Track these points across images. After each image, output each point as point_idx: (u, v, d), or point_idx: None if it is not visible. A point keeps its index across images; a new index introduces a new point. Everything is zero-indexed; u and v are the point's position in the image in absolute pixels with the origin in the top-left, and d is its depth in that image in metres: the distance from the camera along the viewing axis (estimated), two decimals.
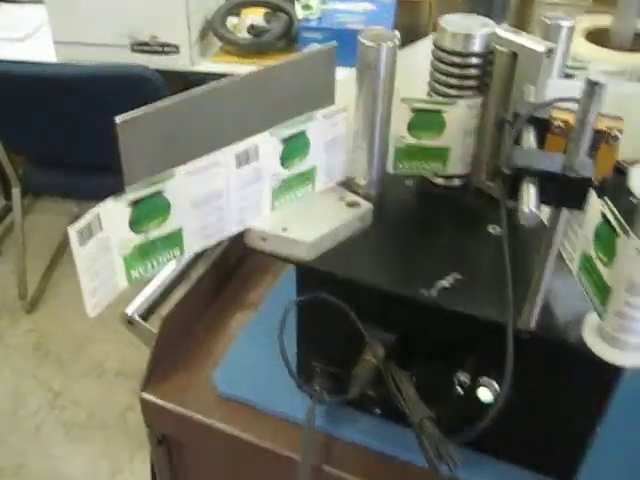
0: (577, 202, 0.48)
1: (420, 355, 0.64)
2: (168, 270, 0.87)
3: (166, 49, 1.88)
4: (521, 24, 3.68)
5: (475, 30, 0.63)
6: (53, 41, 1.94)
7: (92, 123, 1.80)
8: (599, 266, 0.52)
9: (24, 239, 2.27)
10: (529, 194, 0.45)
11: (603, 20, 0.82)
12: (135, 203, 0.53)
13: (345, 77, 0.64)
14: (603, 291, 0.52)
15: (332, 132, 0.63)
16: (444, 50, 0.65)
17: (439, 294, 0.58)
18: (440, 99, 0.66)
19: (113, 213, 0.52)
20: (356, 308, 0.63)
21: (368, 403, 0.71)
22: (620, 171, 0.55)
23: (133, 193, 0.52)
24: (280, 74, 0.58)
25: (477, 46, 0.64)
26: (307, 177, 0.64)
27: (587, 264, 0.53)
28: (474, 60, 0.64)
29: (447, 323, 0.60)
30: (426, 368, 0.64)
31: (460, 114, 0.65)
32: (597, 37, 0.80)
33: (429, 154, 0.68)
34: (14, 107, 1.85)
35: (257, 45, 1.93)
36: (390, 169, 0.68)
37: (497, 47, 0.63)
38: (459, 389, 0.62)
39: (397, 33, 0.60)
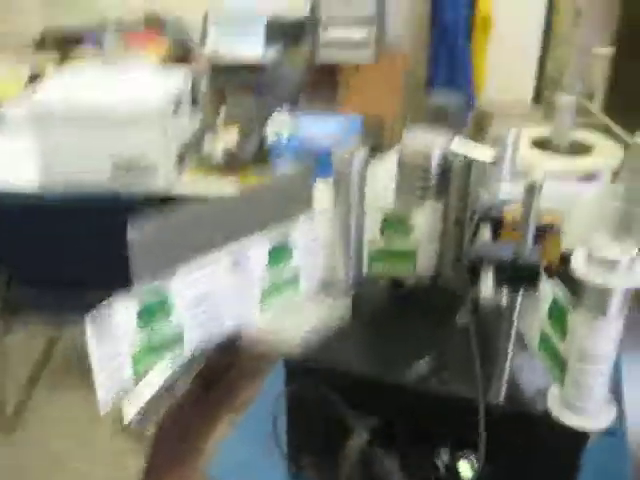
0: (529, 284, 0.55)
1: (402, 437, 0.69)
2: (159, 379, 0.91)
3: (145, 172, 1.99)
4: (478, 135, 3.90)
5: (434, 145, 0.73)
6: (38, 169, 2.04)
7: (74, 243, 1.89)
8: (554, 342, 0.59)
9: (3, 360, 2.27)
10: (487, 279, 0.53)
11: (545, 131, 0.94)
12: (142, 303, 0.59)
13: (322, 187, 0.72)
14: (560, 364, 0.58)
15: (312, 238, 0.71)
16: (408, 164, 0.74)
17: (416, 378, 0.64)
18: (405, 206, 0.74)
19: (124, 311, 0.59)
20: (339, 396, 0.68)
21: None
22: (565, 260, 0.63)
23: (140, 294, 0.59)
24: (266, 191, 0.67)
25: (436, 159, 0.73)
26: (292, 279, 0.71)
27: (544, 341, 0.61)
28: (434, 171, 0.74)
29: (425, 405, 0.66)
30: (409, 448, 0.69)
31: (424, 218, 0.74)
32: (540, 146, 0.91)
33: (399, 257, 0.75)
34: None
35: (231, 165, 2.05)
36: (364, 271, 0.76)
37: (453, 159, 0.73)
38: (441, 467, 0.67)
39: (364, 147, 0.69)
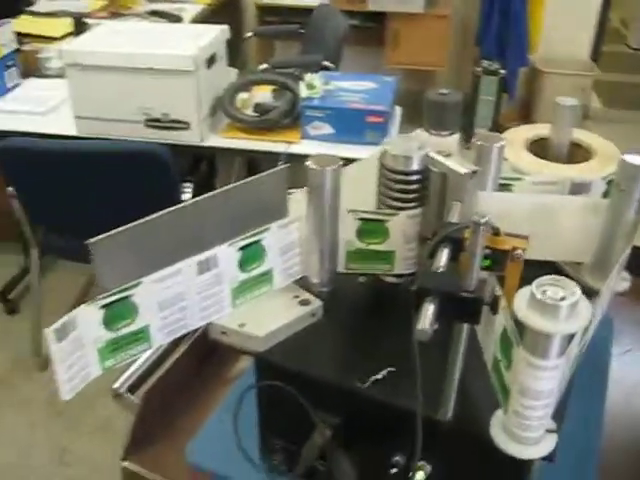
0: (472, 318, 0.56)
1: (361, 438, 0.72)
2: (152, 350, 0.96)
3: (177, 125, 2.02)
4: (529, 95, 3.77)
5: (412, 152, 0.73)
6: (74, 115, 2.09)
7: (108, 194, 1.94)
8: (502, 369, 0.60)
9: (41, 298, 2.38)
10: (427, 313, 0.54)
11: (546, 130, 0.92)
12: (107, 306, 0.62)
13: (298, 192, 0.73)
14: (505, 391, 0.60)
15: (286, 239, 0.73)
16: (387, 169, 0.75)
17: (371, 386, 0.67)
18: (382, 210, 0.75)
19: (88, 314, 0.62)
20: (306, 394, 0.71)
21: (319, 478, 0.78)
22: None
23: (105, 298, 0.62)
24: (238, 194, 0.68)
25: (415, 166, 0.73)
26: (265, 278, 0.73)
27: (495, 365, 0.62)
28: (413, 177, 0.74)
29: (380, 410, 0.68)
30: (366, 449, 0.72)
31: (401, 223, 0.74)
32: (538, 147, 0.89)
33: (376, 256, 0.77)
34: (34, 178, 1.99)
35: (262, 123, 2.06)
36: (341, 269, 0.77)
37: (431, 167, 0.73)
38: (394, 469, 0.70)
39: (339, 158, 0.69)
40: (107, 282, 0.61)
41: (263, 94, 2.23)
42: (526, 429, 0.58)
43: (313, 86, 2.07)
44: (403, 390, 0.67)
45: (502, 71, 3.52)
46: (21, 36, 2.65)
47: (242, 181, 0.69)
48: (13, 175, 2.00)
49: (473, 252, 0.54)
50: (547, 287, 0.53)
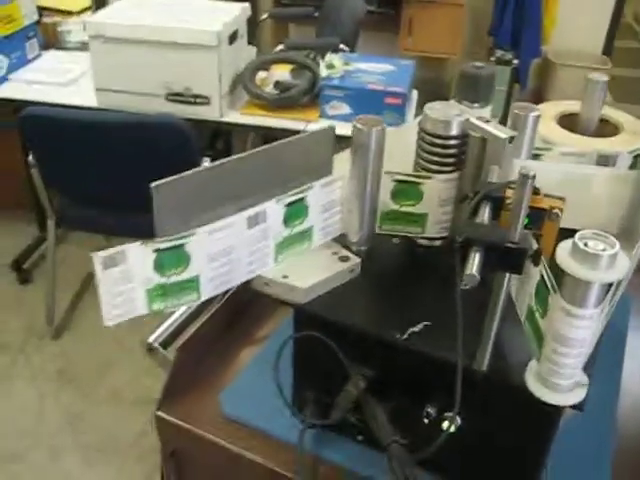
0: (516, 268, 0.59)
1: (395, 389, 0.75)
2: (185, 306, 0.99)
3: (198, 100, 2.04)
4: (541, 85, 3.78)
5: (452, 117, 0.76)
6: (95, 88, 2.12)
7: (127, 166, 1.97)
8: (537, 317, 0.63)
9: (55, 268, 2.41)
10: (474, 261, 0.57)
11: (575, 106, 0.94)
12: (160, 251, 0.65)
13: (342, 153, 0.76)
14: (540, 339, 0.63)
15: (328, 197, 0.76)
16: (427, 133, 0.77)
17: (409, 338, 0.70)
18: (417, 173, 0.78)
19: (140, 254, 0.65)
20: (343, 346, 0.74)
21: (351, 430, 0.81)
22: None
23: (160, 243, 0.65)
24: (286, 150, 0.71)
25: (454, 131, 0.76)
26: (306, 235, 0.76)
27: (530, 315, 0.65)
28: (451, 142, 0.77)
29: (415, 362, 0.71)
30: (400, 401, 0.75)
31: (436, 186, 0.77)
32: (568, 121, 0.92)
33: (409, 219, 0.80)
34: (54, 146, 2.01)
35: (282, 100, 2.08)
36: (376, 229, 0.80)
37: (470, 132, 0.76)
38: (426, 420, 0.73)
39: (382, 120, 0.72)
40: (164, 226, 0.64)
41: (282, 73, 2.25)
42: (559, 376, 0.61)
43: (333, 66, 2.09)
44: (439, 342, 0.70)
45: (515, 61, 3.54)
46: (41, 9, 2.67)
47: (290, 138, 0.71)
48: (34, 144, 2.03)
49: (519, 204, 0.57)
50: (588, 240, 0.56)
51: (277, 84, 2.14)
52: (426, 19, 3.71)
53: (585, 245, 0.56)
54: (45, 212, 2.29)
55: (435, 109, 0.77)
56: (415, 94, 2.28)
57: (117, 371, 2.30)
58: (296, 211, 0.74)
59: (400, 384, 0.75)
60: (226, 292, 1.03)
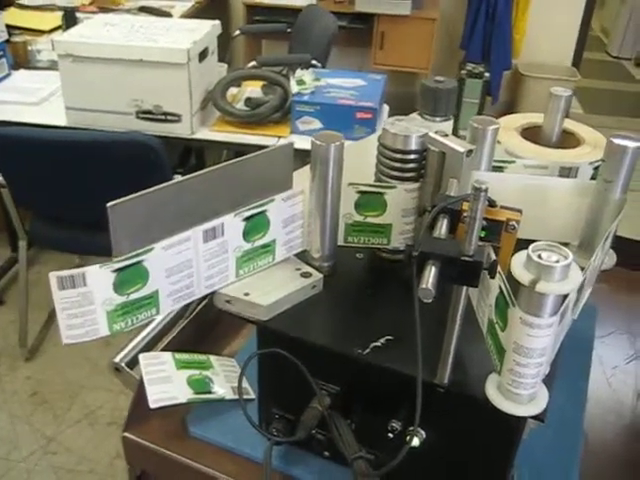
0: (472, 281, 0.59)
1: (360, 405, 0.75)
2: (154, 323, 0.98)
3: (169, 117, 2.04)
4: (511, 97, 3.83)
5: (412, 132, 0.76)
6: (65, 106, 2.10)
7: (98, 184, 1.95)
8: (498, 330, 0.63)
9: (27, 289, 2.39)
10: (429, 275, 0.57)
11: (539, 118, 0.96)
12: (119, 270, 0.65)
13: (302, 169, 0.76)
14: (501, 352, 0.63)
15: (290, 211, 0.76)
16: (386, 147, 0.78)
17: (371, 352, 0.70)
18: (381, 183, 0.78)
19: (100, 276, 0.64)
20: (307, 362, 0.74)
21: (318, 446, 0.81)
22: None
23: (118, 262, 0.64)
24: (245, 167, 0.71)
25: (413, 145, 0.76)
26: (268, 249, 0.76)
27: (491, 328, 0.65)
28: (411, 156, 0.77)
29: (378, 377, 0.71)
30: (365, 416, 0.75)
31: (399, 196, 0.78)
32: (531, 133, 0.93)
33: (374, 230, 0.80)
34: (25, 166, 2.00)
35: (253, 117, 2.09)
36: (340, 242, 0.80)
37: (429, 146, 0.76)
38: (390, 434, 0.73)
39: (341, 136, 0.73)
40: (120, 247, 0.64)
41: (253, 89, 2.26)
42: (519, 386, 0.62)
43: (303, 82, 2.10)
44: (401, 356, 0.70)
45: (486, 74, 3.58)
46: (10, 28, 2.65)
47: (250, 155, 0.71)
48: (4, 164, 2.01)
49: (473, 217, 0.57)
50: (542, 251, 0.57)
51: (248, 100, 2.15)
52: (398, 34, 3.74)
53: (539, 257, 0.56)
54: (16, 232, 2.27)
55: (393, 124, 0.78)
56: (386, 108, 2.29)
57: (91, 392, 2.27)
58: (256, 225, 0.74)
59: (365, 399, 0.75)
60: (193, 310, 1.03)
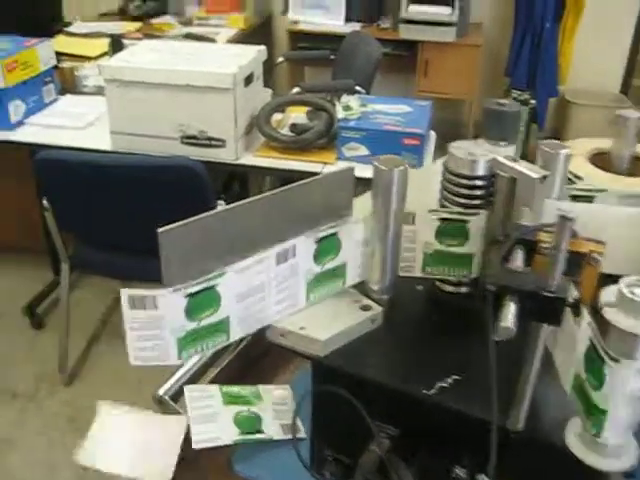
0: (553, 319, 0.54)
1: (421, 449, 0.69)
2: (197, 357, 0.94)
3: (213, 142, 2.02)
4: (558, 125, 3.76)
5: (479, 157, 0.72)
6: (110, 131, 2.10)
7: (142, 209, 1.94)
8: (588, 389, 0.56)
9: (68, 314, 2.37)
10: (508, 311, 0.52)
11: (605, 144, 0.90)
12: (192, 295, 0.61)
13: (363, 196, 0.72)
14: (594, 410, 0.56)
15: (358, 236, 0.72)
16: (453, 173, 0.73)
17: (438, 393, 0.64)
18: (464, 210, 0.73)
19: (172, 300, 0.61)
20: (365, 402, 0.69)
21: None
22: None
23: (192, 287, 0.61)
24: (305, 191, 0.67)
25: (481, 170, 0.72)
26: (338, 273, 0.72)
27: (578, 384, 0.58)
28: (479, 182, 0.72)
29: (446, 420, 0.65)
30: (426, 462, 0.69)
31: (482, 224, 0.73)
32: (599, 160, 0.88)
33: (455, 260, 0.75)
34: (69, 190, 1.99)
35: (299, 142, 2.06)
36: (418, 273, 0.75)
37: (498, 172, 0.71)
38: None
39: (404, 160, 0.68)
40: (170, 272, 0.60)
41: (297, 115, 2.24)
42: (610, 438, 0.56)
43: (350, 107, 2.07)
44: (469, 397, 0.64)
45: (532, 101, 3.52)
46: (58, 55, 2.69)
47: (310, 179, 0.67)
48: (48, 187, 2.01)
49: (558, 248, 0.52)
50: (634, 287, 0.51)
51: (293, 126, 2.12)
52: (442, 61, 3.70)
53: (632, 293, 0.51)
54: (59, 256, 2.26)
55: (460, 148, 0.73)
56: (433, 135, 2.24)
57: None
58: (327, 247, 0.70)
59: (427, 443, 0.69)
60: (239, 343, 0.99)
